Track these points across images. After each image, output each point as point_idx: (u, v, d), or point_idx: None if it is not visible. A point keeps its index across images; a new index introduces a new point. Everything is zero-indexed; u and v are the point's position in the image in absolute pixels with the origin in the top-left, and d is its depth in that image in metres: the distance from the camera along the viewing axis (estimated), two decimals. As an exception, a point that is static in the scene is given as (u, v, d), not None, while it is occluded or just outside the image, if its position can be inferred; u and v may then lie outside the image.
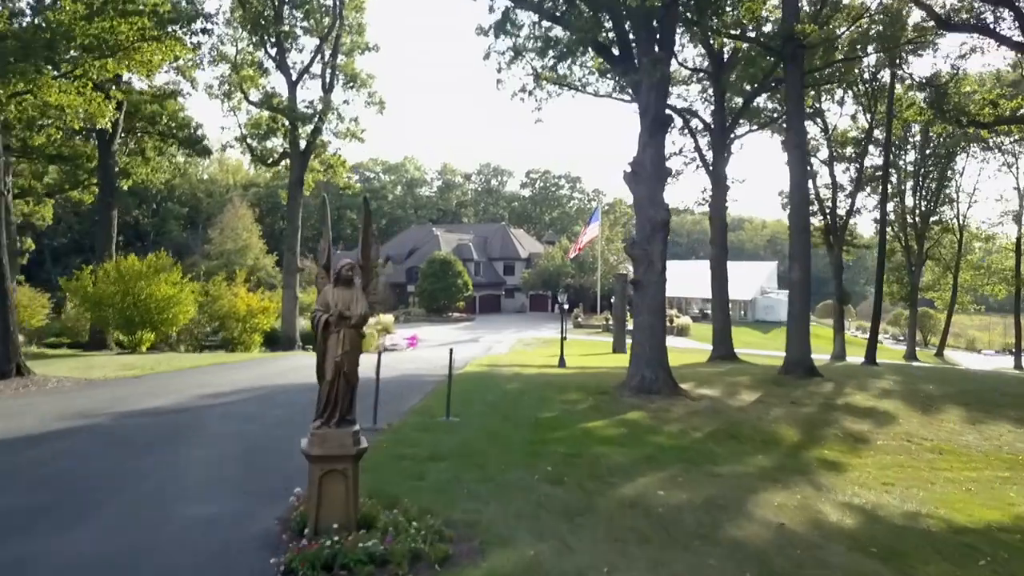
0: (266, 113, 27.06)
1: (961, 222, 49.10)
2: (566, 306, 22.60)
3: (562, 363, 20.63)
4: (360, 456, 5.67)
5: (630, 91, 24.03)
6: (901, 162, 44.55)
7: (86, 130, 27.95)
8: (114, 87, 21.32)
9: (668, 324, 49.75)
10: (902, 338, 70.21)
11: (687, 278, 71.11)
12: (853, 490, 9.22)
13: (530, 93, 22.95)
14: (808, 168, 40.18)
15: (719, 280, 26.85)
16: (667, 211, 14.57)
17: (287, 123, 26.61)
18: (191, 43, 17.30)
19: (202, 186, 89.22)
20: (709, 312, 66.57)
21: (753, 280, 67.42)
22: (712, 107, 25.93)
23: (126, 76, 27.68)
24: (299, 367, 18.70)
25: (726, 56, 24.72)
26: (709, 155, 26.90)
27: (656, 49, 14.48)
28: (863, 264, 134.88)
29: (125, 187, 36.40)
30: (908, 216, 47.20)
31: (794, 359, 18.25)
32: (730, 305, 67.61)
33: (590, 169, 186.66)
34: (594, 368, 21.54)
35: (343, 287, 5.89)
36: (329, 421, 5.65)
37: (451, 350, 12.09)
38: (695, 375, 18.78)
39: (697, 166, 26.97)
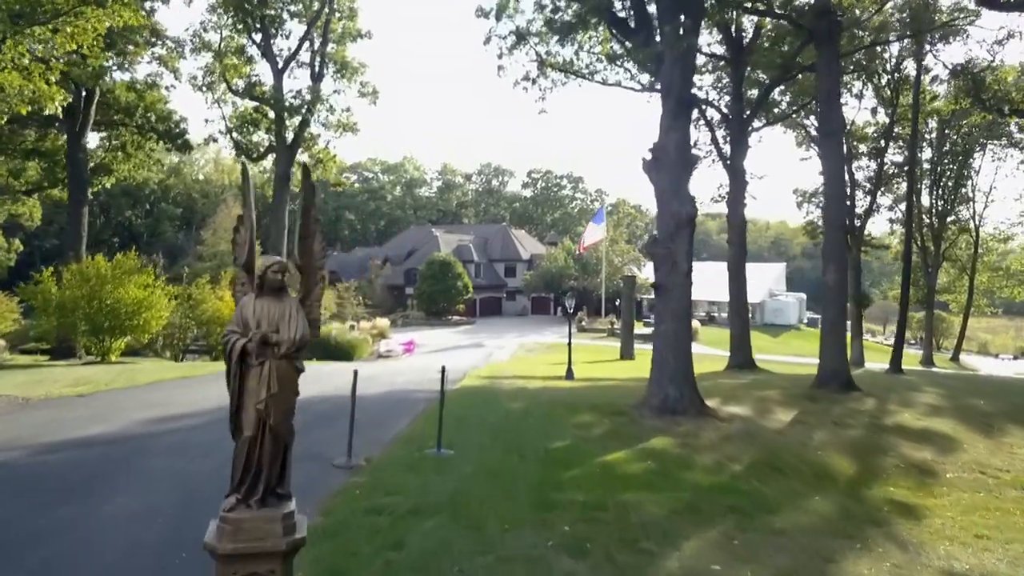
0: (250, 104, 25.24)
1: (978, 222, 47.29)
2: (570, 306, 20.73)
3: (570, 375, 18.76)
4: (294, 552, 3.78)
5: (641, 80, 22.23)
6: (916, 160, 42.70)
7: (58, 121, 26.19)
8: (71, 67, 19.41)
9: None
10: (913, 342, 68.36)
11: (692, 279, 69.38)
12: (945, 548, 7.36)
13: (533, 81, 21.27)
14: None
15: (737, 282, 25.01)
16: (693, 205, 12.73)
17: (272, 115, 24.78)
18: (145, 9, 15.48)
19: (197, 186, 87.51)
20: (716, 315, 64.81)
21: (761, 282, 65.40)
22: (728, 97, 24.08)
23: (103, 64, 25.99)
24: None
25: (745, 40, 22.88)
26: (726, 149, 25.08)
27: (681, 18, 12.63)
28: (867, 266, 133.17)
29: (108, 185, 34.67)
30: (925, 216, 45.35)
31: (829, 371, 16.38)
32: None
33: (592, 166, 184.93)
34: (604, 380, 19.67)
35: (271, 298, 3.98)
36: (248, 498, 3.75)
37: (443, 368, 10.16)
38: (717, 388, 16.92)
39: (713, 160, 25.13)
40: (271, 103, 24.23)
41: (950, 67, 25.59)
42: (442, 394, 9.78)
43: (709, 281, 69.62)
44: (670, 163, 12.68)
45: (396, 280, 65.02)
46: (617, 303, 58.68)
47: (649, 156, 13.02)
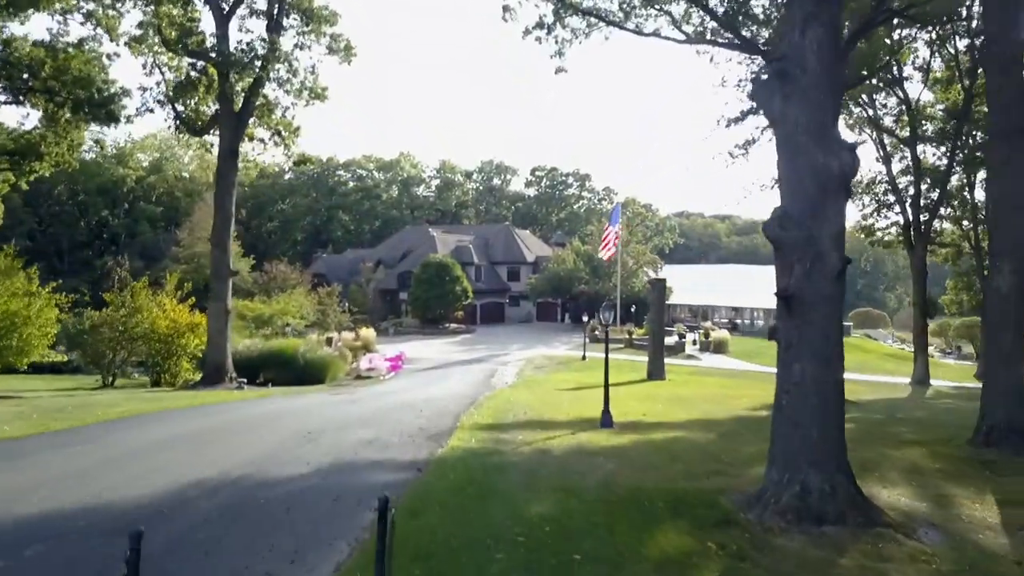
0: (185, 62, 19.88)
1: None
2: (606, 319, 15.13)
3: (607, 422, 13.26)
4: None
5: (684, 28, 16.97)
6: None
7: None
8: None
9: (703, 338, 42.43)
10: (949, 351, 62.92)
11: (709, 283, 63.87)
12: None
13: (549, 30, 16.11)
14: (882, 151, 33.03)
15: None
16: (852, 154, 7.29)
17: (215, 74, 19.43)
18: None
19: (180, 184, 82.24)
20: (739, 323, 59.34)
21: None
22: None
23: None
24: (195, 435, 11.36)
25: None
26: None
27: None
28: (880, 267, 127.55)
29: (46, 172, 29.52)
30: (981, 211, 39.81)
31: (1003, 422, 10.91)
32: (758, 314, 60.08)
33: (596, 160, 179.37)
34: (653, 425, 14.18)
35: None
36: None
37: (389, 522, 4.32)
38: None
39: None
40: (212, 58, 18.90)
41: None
42: (385, 542, 4.20)
43: (727, 285, 64.27)
44: (809, 81, 7.26)
45: (389, 284, 59.66)
46: (632, 309, 53.34)
47: (766, 75, 7.57)
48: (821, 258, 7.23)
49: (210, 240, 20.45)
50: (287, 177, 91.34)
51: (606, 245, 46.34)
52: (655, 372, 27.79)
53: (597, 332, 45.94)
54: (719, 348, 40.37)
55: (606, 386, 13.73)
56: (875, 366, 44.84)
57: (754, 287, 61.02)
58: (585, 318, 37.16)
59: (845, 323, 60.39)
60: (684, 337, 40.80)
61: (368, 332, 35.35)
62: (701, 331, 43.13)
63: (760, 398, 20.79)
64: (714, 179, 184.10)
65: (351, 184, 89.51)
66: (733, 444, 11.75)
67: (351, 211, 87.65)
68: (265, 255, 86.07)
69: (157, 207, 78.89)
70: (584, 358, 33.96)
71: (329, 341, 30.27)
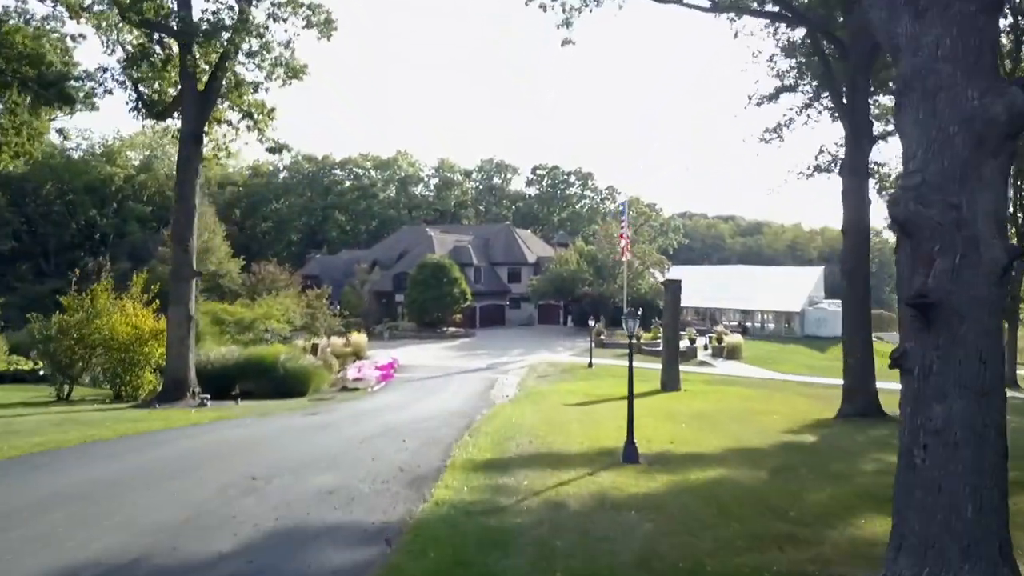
0: (145, 34, 17.47)
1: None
2: (631, 328, 12.61)
3: (631, 455, 10.79)
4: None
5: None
6: None
7: None
8: None
9: (716, 343, 39.98)
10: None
11: (716, 285, 61.39)
12: None
13: (556, -6, 14.05)
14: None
15: (856, 291, 17.14)
16: (1021, 93, 4.89)
17: (176, 48, 17.08)
18: None
19: (170, 183, 79.50)
20: (748, 326, 56.88)
21: (799, 288, 57.69)
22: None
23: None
24: (105, 484, 8.98)
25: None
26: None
27: None
28: (887, 269, 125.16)
29: (9, 165, 27.29)
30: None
31: None
32: (768, 317, 57.56)
33: (598, 161, 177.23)
34: (688, 459, 11.78)
35: None
36: None
37: None
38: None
39: (821, 110, 17.32)
40: (172, 28, 16.54)
41: None
42: None
43: (734, 287, 61.74)
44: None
45: (385, 286, 57.28)
46: (639, 312, 50.63)
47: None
48: (975, 245, 4.86)
49: (170, 237, 18.07)
50: (281, 176, 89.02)
51: (623, 240, 44.17)
52: (669, 382, 25.45)
53: (603, 337, 43.55)
54: (732, 354, 38.00)
55: (630, 412, 11.29)
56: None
57: (763, 288, 58.67)
58: (592, 322, 34.76)
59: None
60: (695, 342, 38.38)
61: (359, 337, 32.99)
62: (713, 335, 40.72)
63: (792, 415, 18.43)
64: (716, 179, 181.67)
65: (347, 183, 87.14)
66: (791, 486, 9.38)
67: (347, 211, 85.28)
68: (259, 256, 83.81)
69: (147, 207, 76.49)
70: (590, 365, 31.61)
71: (315, 348, 27.91)
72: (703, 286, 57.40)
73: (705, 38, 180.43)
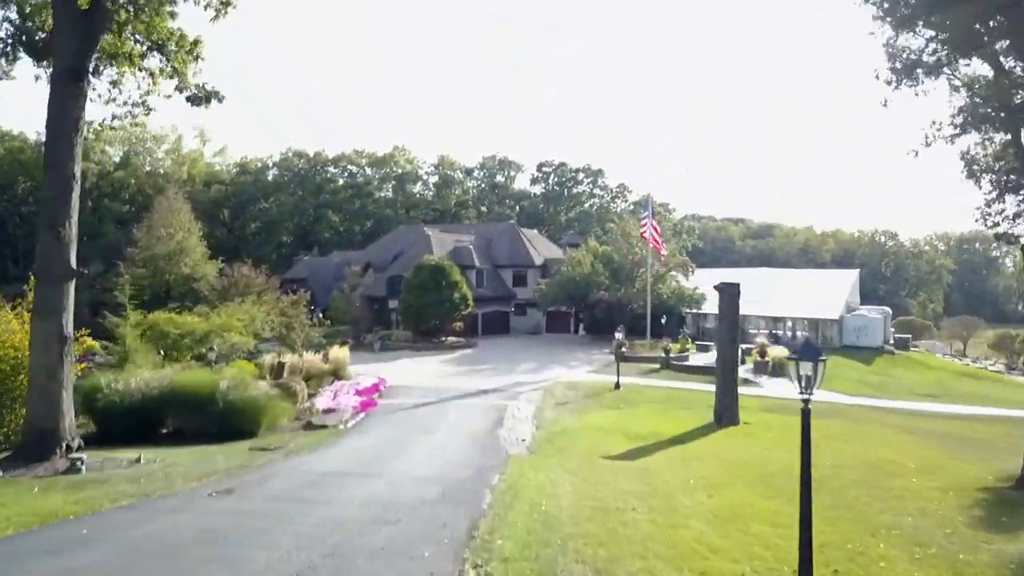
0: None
1: None
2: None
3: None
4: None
5: None
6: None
7: None
8: None
9: (758, 358, 34.34)
10: (1014, 367, 55.11)
11: (746, 286, 55.38)
12: None
13: None
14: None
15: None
16: None
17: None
18: None
19: (150, 180, 74.49)
20: (780, 334, 51.35)
21: (836, 293, 52.01)
22: None
23: None
24: None
25: None
26: None
27: None
28: (903, 274, 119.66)
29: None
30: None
31: None
32: (801, 324, 51.84)
33: (598, 160, 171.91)
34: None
35: None
36: None
37: None
38: None
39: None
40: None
41: None
42: None
43: (763, 290, 56.07)
44: None
45: (378, 290, 51.85)
46: (663, 320, 45.49)
47: None
48: None
49: (39, 221, 12.70)
50: (271, 174, 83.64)
51: (650, 235, 38.85)
52: (726, 414, 19.99)
53: (624, 349, 37.96)
54: (779, 370, 32.45)
55: (805, 548, 5.74)
56: (961, 390, 36.98)
57: (792, 293, 53.09)
58: (619, 335, 29.32)
59: (899, 335, 52.24)
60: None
61: (340, 353, 27.56)
62: (755, 348, 35.17)
63: (939, 475, 12.90)
64: (716, 180, 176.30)
65: (341, 181, 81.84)
66: None
67: (341, 211, 79.96)
68: (251, 259, 78.32)
69: (125, 205, 71.12)
70: (617, 386, 26.14)
71: (279, 368, 22.51)
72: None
73: (704, 38, 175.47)
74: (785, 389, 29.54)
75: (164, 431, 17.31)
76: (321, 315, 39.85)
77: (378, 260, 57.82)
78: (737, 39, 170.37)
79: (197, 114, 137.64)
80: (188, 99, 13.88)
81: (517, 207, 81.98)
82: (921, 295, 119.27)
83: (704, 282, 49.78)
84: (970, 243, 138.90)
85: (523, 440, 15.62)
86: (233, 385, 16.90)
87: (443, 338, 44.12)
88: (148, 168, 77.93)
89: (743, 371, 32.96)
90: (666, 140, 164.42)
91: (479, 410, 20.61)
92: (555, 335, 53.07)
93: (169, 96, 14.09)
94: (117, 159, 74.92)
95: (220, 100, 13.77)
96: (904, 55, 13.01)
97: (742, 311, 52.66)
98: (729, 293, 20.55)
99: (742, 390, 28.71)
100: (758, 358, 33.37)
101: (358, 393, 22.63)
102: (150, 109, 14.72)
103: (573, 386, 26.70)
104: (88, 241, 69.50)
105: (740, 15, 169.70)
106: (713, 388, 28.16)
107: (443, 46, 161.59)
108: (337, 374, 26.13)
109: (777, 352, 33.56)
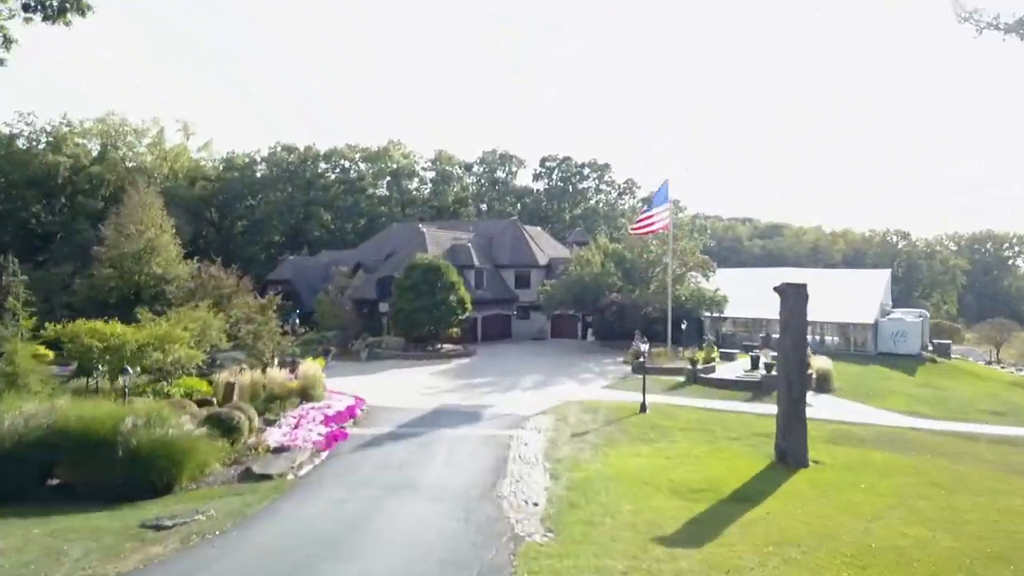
0: None
1: None
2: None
3: None
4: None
5: None
6: None
7: None
8: None
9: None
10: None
11: (758, 290, 50.91)
12: None
13: None
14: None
15: None
16: None
17: None
18: None
19: (129, 176, 70.06)
20: (809, 340, 46.79)
21: (870, 296, 47.50)
22: None
23: None
24: None
25: None
26: None
27: None
28: (915, 274, 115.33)
29: None
30: None
31: None
32: (827, 329, 47.19)
33: (613, 160, 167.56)
34: None
35: None
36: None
37: None
38: None
39: None
40: None
41: None
42: None
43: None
44: None
45: (368, 293, 47.44)
46: (683, 326, 41.09)
47: None
48: None
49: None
50: (259, 170, 79.18)
51: (643, 224, 34.18)
52: (793, 451, 15.55)
53: (643, 359, 33.50)
54: (823, 383, 28.03)
55: None
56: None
57: (819, 295, 48.46)
58: (642, 345, 24.97)
59: (937, 340, 47.52)
60: (771, 369, 28.33)
61: (311, 367, 23.13)
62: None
63: None
64: (720, 180, 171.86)
65: (332, 176, 77.42)
66: None
67: (332, 208, 75.55)
68: (236, 260, 74.00)
69: (101, 202, 66.62)
70: (644, 409, 21.73)
71: (229, 391, 18.13)
72: (745, 292, 46.68)
73: (703, 38, 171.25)
74: (843, 410, 25.08)
75: (53, 482, 12.94)
76: (298, 322, 35.47)
77: (369, 260, 53.46)
78: (737, 39, 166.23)
79: (181, 106, 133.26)
80: (44, 18, 9.54)
81: (519, 204, 77.61)
82: (935, 296, 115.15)
83: (715, 283, 45.47)
84: (981, 243, 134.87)
85: (535, 504, 11.21)
86: (142, 422, 12.50)
87: (438, 346, 39.77)
88: (131, 164, 73.64)
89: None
90: (666, 140, 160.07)
91: (475, 445, 16.23)
92: (561, 341, 48.67)
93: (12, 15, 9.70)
94: (95, 153, 70.55)
95: (84, 13, 9.47)
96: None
97: (765, 314, 48.41)
98: (794, 296, 16.13)
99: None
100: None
101: (326, 421, 18.25)
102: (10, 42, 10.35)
103: (590, 407, 22.27)
104: (61, 240, 65.48)
105: (740, 15, 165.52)
106: (755, 408, 23.90)
107: (443, 46, 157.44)
108: (307, 394, 21.73)
109: (821, 363, 29.06)
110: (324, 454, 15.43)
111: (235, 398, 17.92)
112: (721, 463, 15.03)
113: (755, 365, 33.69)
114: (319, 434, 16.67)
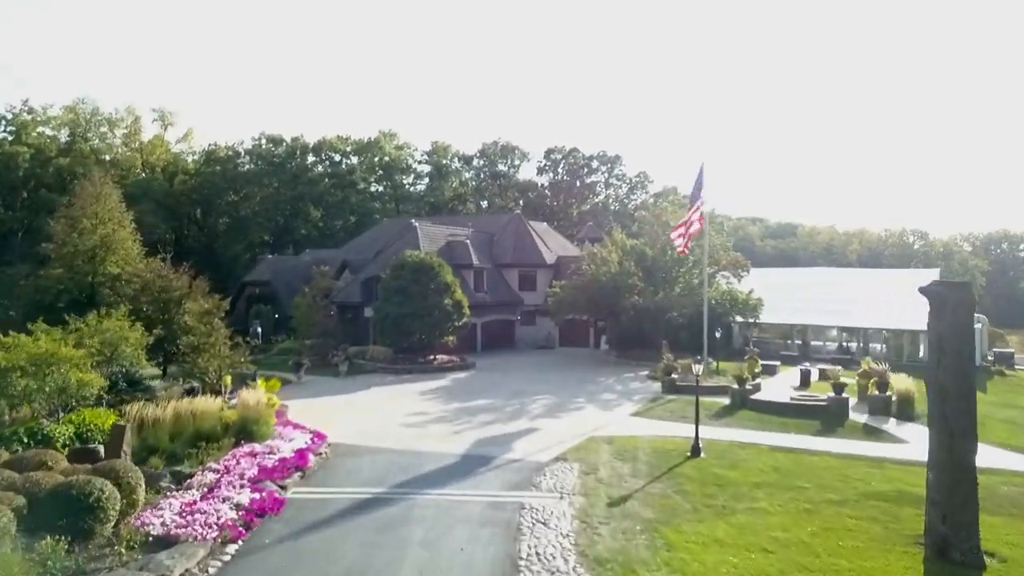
0: None
1: None
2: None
3: None
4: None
5: None
6: None
7: None
8: None
9: (874, 391, 23.35)
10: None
11: (790, 291, 45.29)
12: None
13: None
14: None
15: None
16: None
17: None
18: None
19: (99, 169, 64.72)
20: (853, 348, 41.22)
21: (915, 299, 41.70)
22: None
23: None
24: None
25: None
26: None
27: None
28: (932, 277, 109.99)
29: None
30: None
31: None
32: (884, 338, 40.56)
33: (624, 152, 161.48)
34: None
35: None
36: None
37: None
38: None
39: None
40: None
41: None
42: None
43: (828, 296, 45.86)
44: None
45: (352, 296, 41.98)
46: (718, 334, 35.28)
47: None
48: None
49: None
50: (244, 164, 73.67)
51: (683, 227, 28.64)
52: (961, 542, 10.04)
53: (676, 376, 28.02)
54: (905, 409, 22.44)
55: None
56: None
57: (862, 297, 42.96)
58: (697, 367, 19.45)
59: (998, 349, 41.64)
60: (842, 390, 22.59)
61: (256, 395, 17.59)
62: (862, 374, 25.09)
63: None
64: (720, 179, 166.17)
65: (320, 169, 71.96)
66: None
67: (321, 204, 70.10)
68: (221, 258, 68.73)
69: (66, 196, 61.16)
70: (699, 451, 16.18)
71: (117, 436, 12.65)
72: (772, 295, 40.83)
73: (705, 37, 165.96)
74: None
75: None
76: (260, 331, 29.99)
77: (357, 259, 47.99)
78: (738, 38, 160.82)
79: (157, 95, 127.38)
80: None
81: (522, 200, 72.13)
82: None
83: (752, 284, 40.10)
84: (996, 243, 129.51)
85: None
86: None
87: (431, 357, 34.27)
88: (107, 157, 68.34)
89: (856, 412, 22.89)
90: (666, 139, 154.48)
91: (469, 529, 10.76)
92: (571, 350, 43.20)
93: None
94: (63, 143, 65.23)
95: None
96: None
97: (804, 319, 42.45)
98: (956, 302, 10.63)
99: (870, 446, 18.81)
100: (874, 391, 23.32)
101: (261, 475, 12.75)
102: None
103: (624, 449, 16.75)
104: (23, 238, 60.08)
105: (741, 14, 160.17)
106: (835, 445, 17.78)
107: (443, 46, 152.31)
108: (247, 431, 16.23)
109: (900, 381, 23.46)
110: (233, 548, 9.93)
111: (124, 449, 12.40)
112: (847, 559, 9.55)
113: (805, 381, 28.28)
114: (236, 506, 11.17)
